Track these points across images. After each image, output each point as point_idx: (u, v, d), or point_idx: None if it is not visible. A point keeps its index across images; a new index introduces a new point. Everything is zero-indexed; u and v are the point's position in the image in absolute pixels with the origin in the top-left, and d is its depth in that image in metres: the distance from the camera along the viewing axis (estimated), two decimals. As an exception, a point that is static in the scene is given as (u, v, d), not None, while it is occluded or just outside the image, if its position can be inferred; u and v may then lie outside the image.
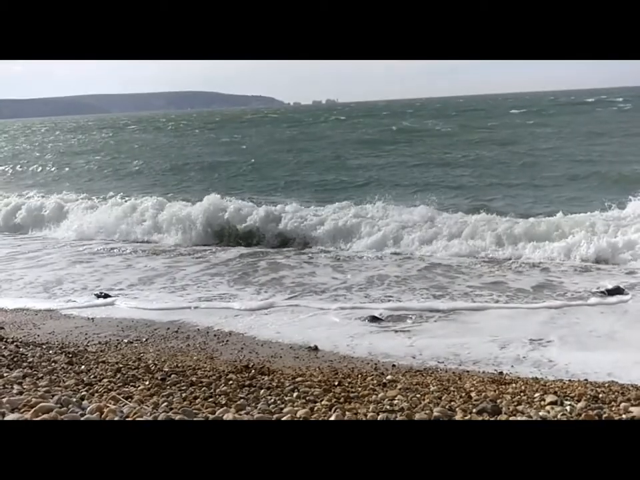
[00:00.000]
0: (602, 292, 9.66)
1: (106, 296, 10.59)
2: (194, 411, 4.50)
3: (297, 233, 15.02)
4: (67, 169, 35.61)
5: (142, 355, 7.19)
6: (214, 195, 17.59)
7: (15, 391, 4.66)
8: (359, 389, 5.58)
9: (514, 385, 5.75)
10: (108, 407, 4.37)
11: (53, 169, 36.02)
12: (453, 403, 4.98)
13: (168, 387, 5.38)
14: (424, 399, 5.13)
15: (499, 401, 5.00)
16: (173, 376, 5.80)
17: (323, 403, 4.94)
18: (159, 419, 4.05)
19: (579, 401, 4.96)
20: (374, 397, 5.19)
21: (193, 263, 13.63)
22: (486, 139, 36.55)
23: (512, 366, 6.99)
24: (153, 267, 13.29)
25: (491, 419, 4.49)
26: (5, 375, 5.33)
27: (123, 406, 4.57)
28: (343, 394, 5.27)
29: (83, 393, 4.93)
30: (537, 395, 5.19)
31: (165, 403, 4.74)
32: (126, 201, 19.27)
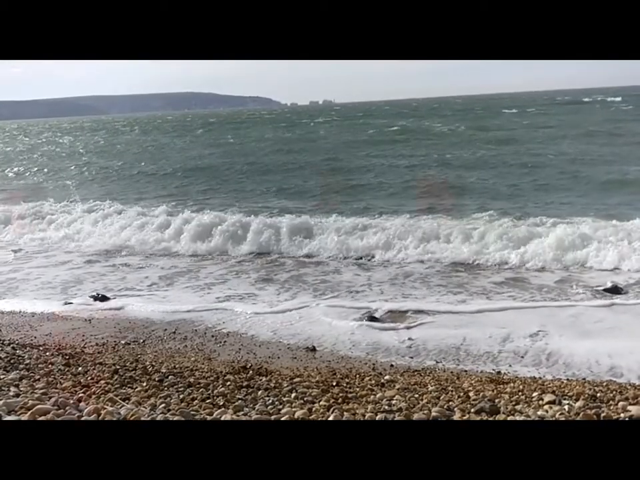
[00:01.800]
0: (602, 291, 9.91)
1: (103, 298, 10.55)
2: (192, 413, 4.49)
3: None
4: (61, 173, 34.93)
5: (139, 356, 7.17)
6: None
7: (11, 393, 4.64)
8: (357, 389, 5.58)
9: (512, 384, 5.76)
10: (105, 408, 4.35)
11: (44, 171, 35.69)
12: (451, 403, 4.98)
13: (165, 389, 5.36)
14: (422, 399, 5.13)
15: (497, 400, 5.00)
16: (170, 377, 5.78)
17: (321, 403, 4.93)
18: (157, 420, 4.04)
19: (577, 400, 4.96)
20: (372, 397, 5.19)
21: (220, 260, 13.70)
22: (485, 139, 36.39)
23: (510, 365, 7.00)
24: (174, 264, 13.34)
25: (489, 419, 4.50)
26: (2, 377, 5.30)
27: (121, 408, 4.56)
28: (341, 394, 5.26)
29: (80, 395, 4.91)
30: (535, 394, 5.19)
31: (163, 405, 4.72)
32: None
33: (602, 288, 9.97)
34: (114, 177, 31.26)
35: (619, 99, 74.79)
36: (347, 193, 21.52)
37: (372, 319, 8.87)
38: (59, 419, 3.89)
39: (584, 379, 6.23)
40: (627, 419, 4.37)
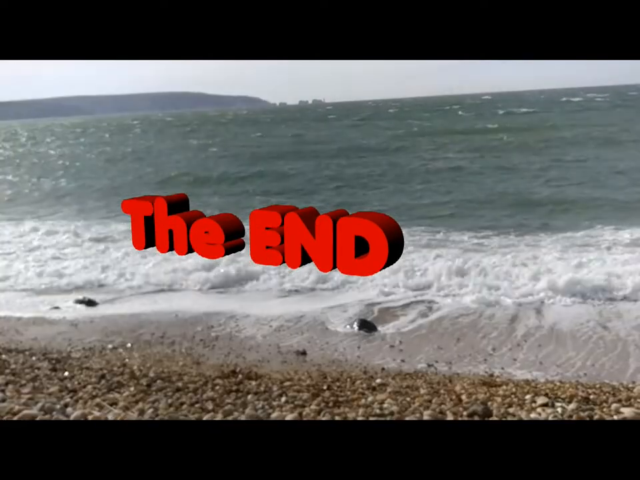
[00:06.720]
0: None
1: (90, 302, 10.41)
2: (180, 417, 4.44)
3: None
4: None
5: (127, 360, 7.09)
6: None
7: (-4, 399, 4.57)
8: (348, 392, 5.53)
9: (505, 387, 5.72)
10: (92, 413, 4.30)
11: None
12: (443, 406, 4.94)
13: (153, 393, 5.31)
14: (414, 402, 5.09)
15: (489, 403, 4.97)
16: (158, 382, 5.72)
17: (311, 407, 4.89)
18: (145, 426, 3.97)
19: (570, 402, 4.94)
20: (363, 400, 5.15)
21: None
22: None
23: (503, 368, 6.99)
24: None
25: (482, 420, 4.47)
26: (-13, 382, 5.24)
27: (108, 412, 4.50)
28: (331, 398, 5.22)
29: (66, 400, 4.85)
30: (528, 396, 5.17)
31: (151, 409, 4.67)
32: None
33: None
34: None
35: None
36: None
37: (363, 322, 8.82)
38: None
39: (577, 381, 6.21)
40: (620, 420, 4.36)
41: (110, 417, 4.26)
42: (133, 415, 4.51)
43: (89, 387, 5.44)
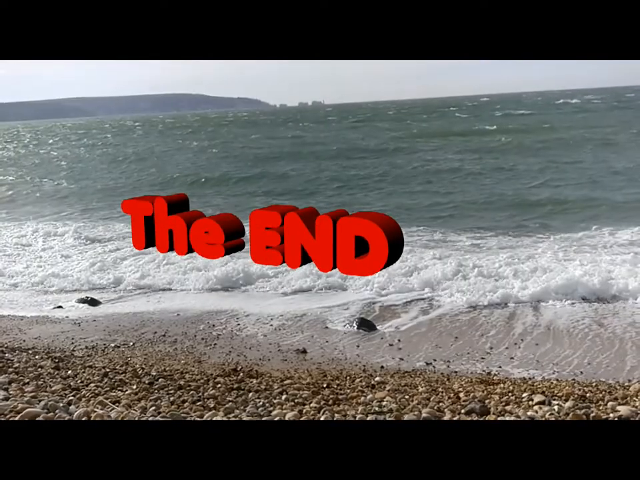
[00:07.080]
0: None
1: (92, 301, 10.45)
2: (182, 415, 4.48)
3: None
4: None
5: (129, 359, 7.14)
6: None
7: (0, 397, 4.60)
8: (348, 390, 5.58)
9: (502, 385, 5.78)
10: (95, 411, 4.33)
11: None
12: (441, 404, 4.99)
13: (156, 391, 5.35)
14: (412, 400, 5.13)
15: (487, 401, 5.02)
16: (160, 380, 5.76)
17: (311, 405, 4.93)
18: (148, 422, 4.02)
19: (566, 400, 4.99)
20: (362, 398, 5.19)
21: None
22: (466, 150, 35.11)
23: (500, 366, 7.03)
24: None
25: (480, 419, 4.51)
26: (-9, 380, 5.27)
27: (111, 410, 4.53)
28: (331, 396, 5.26)
29: (69, 398, 4.88)
30: (525, 395, 5.22)
31: (153, 407, 4.70)
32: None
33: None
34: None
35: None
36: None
37: (362, 321, 8.86)
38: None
39: (573, 379, 6.26)
40: (616, 419, 4.40)
41: (112, 415, 4.29)
42: (135, 413, 4.55)
43: (92, 385, 5.47)
